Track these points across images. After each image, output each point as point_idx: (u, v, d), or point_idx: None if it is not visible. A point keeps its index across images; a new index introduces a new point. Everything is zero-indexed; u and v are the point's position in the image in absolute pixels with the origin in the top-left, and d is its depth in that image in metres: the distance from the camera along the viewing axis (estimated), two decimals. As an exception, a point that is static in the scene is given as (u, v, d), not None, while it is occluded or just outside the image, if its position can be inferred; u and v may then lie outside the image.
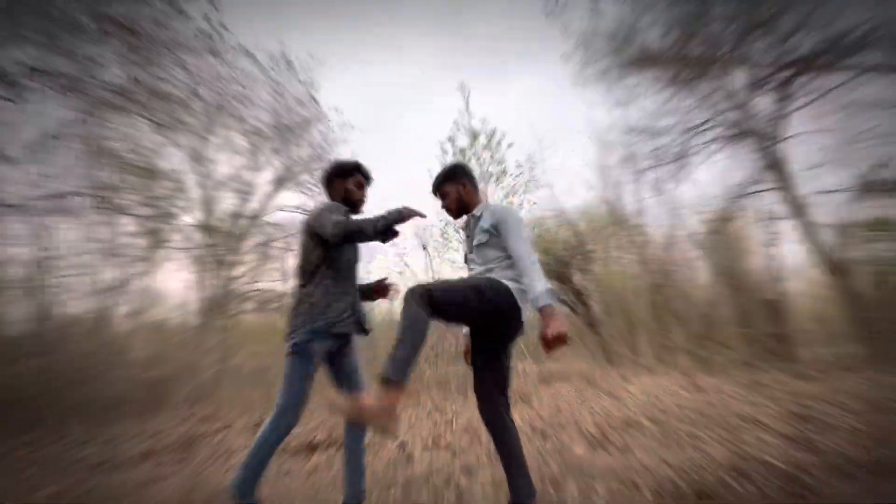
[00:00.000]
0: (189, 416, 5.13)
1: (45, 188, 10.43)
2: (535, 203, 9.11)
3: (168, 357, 7.62)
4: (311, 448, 3.16)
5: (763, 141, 6.91)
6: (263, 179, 17.01)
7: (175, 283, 15.91)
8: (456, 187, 1.97)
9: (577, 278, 12.11)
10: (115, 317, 11.80)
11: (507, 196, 8.83)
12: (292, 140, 13.90)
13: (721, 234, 7.51)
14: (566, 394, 5.01)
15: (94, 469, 3.11)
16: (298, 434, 3.45)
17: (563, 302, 12.04)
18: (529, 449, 2.68)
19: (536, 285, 1.55)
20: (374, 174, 2.09)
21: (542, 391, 5.11)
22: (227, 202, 16.44)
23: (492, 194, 8.60)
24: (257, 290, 16.50)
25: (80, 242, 12.62)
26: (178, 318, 15.05)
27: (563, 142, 23.61)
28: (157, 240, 12.63)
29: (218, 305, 13.32)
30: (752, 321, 7.00)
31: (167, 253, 14.29)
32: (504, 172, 8.77)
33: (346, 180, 2.03)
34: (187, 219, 14.05)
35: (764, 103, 7.21)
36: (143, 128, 10.97)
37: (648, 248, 8.42)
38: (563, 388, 5.58)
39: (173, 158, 13.96)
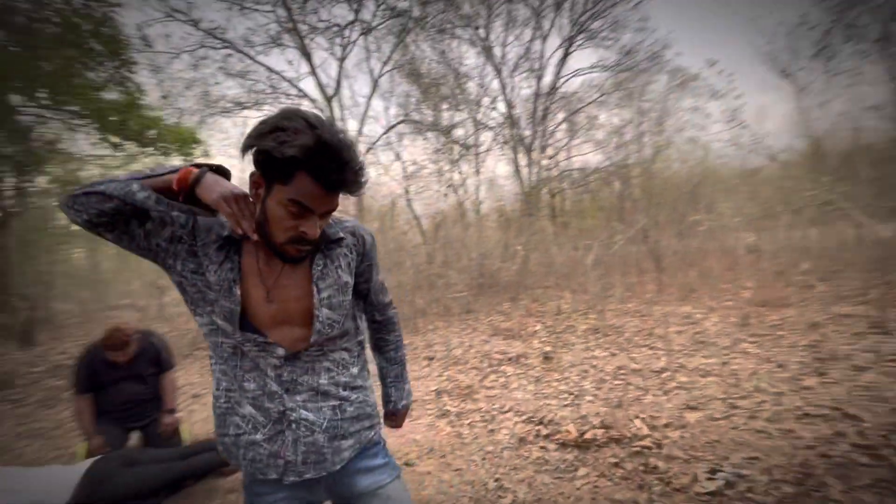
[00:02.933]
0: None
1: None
2: None
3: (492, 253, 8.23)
4: (583, 444, 2.34)
5: None
6: (552, 46, 15.30)
7: (492, 180, 17.42)
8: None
9: None
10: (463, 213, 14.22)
11: None
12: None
13: None
14: None
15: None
16: (565, 420, 2.67)
17: None
18: None
19: None
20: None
21: None
22: (523, 85, 16.06)
23: None
24: (572, 169, 16.05)
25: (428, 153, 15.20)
26: (503, 210, 16.63)
27: None
28: (467, 144, 13.75)
29: (536, 192, 13.69)
30: None
31: (484, 154, 15.62)
32: None
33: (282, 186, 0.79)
34: (493, 115, 14.69)
35: None
36: (425, 43, 11.57)
37: None
38: None
39: (469, 59, 14.54)
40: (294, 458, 0.88)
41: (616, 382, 3.20)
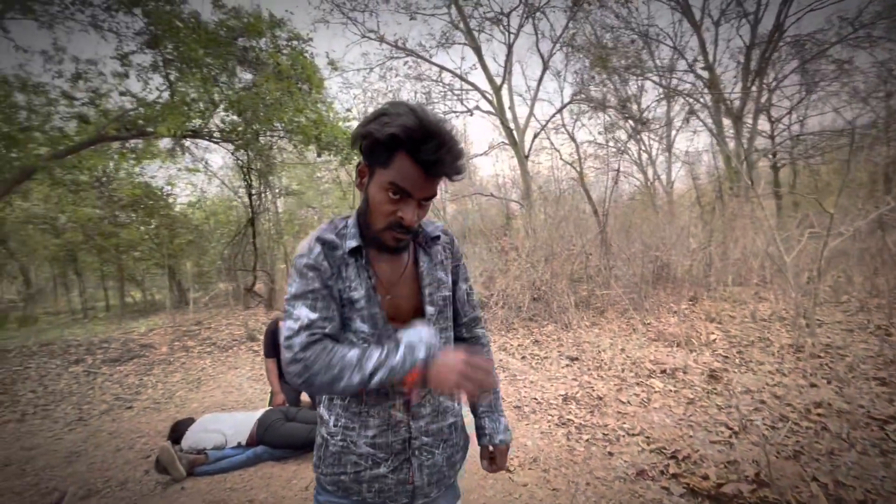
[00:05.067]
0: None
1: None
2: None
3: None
4: (719, 496, 1.83)
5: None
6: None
7: (687, 156, 14.86)
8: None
9: None
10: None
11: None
12: None
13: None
14: None
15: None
16: (707, 460, 2.12)
17: None
18: None
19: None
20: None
21: None
22: (729, 37, 12.96)
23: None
24: (807, 134, 12.48)
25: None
26: (702, 190, 14.08)
27: None
28: (644, 119, 12.09)
29: (747, 167, 11.19)
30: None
31: (679, 126, 13.46)
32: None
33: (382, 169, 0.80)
34: (688, 79, 12.44)
35: None
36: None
37: None
38: None
39: (660, 18, 12.69)
40: (422, 483, 0.90)
41: (805, 424, 2.40)
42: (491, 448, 1.02)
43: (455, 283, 0.99)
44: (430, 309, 0.90)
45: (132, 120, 6.12)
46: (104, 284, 13.26)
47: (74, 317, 11.57)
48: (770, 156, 13.68)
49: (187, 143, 7.20)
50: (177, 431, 2.78)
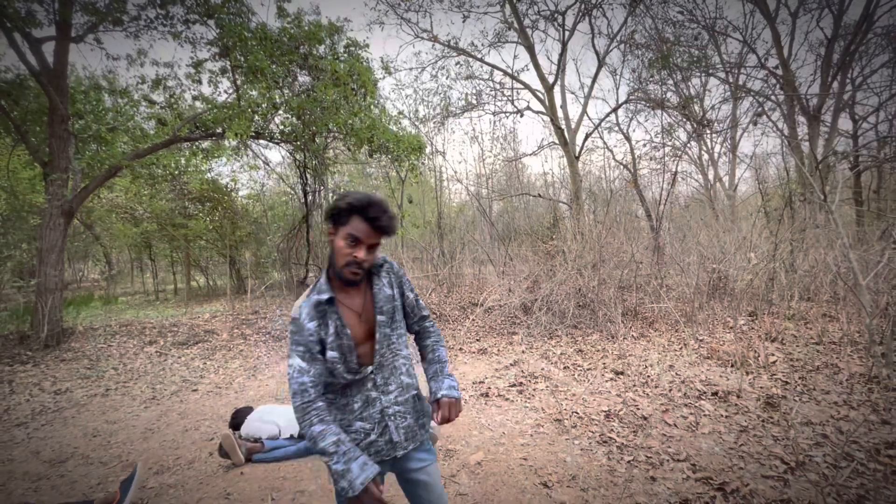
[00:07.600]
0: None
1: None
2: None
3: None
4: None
5: None
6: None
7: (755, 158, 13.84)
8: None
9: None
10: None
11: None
12: None
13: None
14: None
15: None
16: (758, 494, 2.01)
17: None
18: None
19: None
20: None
21: None
22: (808, 29, 11.89)
23: None
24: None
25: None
26: (769, 194, 13.09)
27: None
28: (707, 120, 11.40)
29: (822, 170, 10.32)
30: None
31: (747, 126, 12.59)
32: None
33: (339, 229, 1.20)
34: (758, 75, 11.56)
35: None
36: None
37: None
38: None
39: (730, 9, 11.87)
40: (399, 439, 1.24)
41: (873, 466, 2.24)
42: (437, 401, 1.27)
43: (403, 294, 1.31)
44: (380, 317, 1.23)
45: (203, 121, 6.60)
46: (173, 269, 14.38)
47: (148, 298, 12.66)
48: (851, 158, 12.48)
49: (250, 142, 7.64)
50: (237, 418, 3.02)
